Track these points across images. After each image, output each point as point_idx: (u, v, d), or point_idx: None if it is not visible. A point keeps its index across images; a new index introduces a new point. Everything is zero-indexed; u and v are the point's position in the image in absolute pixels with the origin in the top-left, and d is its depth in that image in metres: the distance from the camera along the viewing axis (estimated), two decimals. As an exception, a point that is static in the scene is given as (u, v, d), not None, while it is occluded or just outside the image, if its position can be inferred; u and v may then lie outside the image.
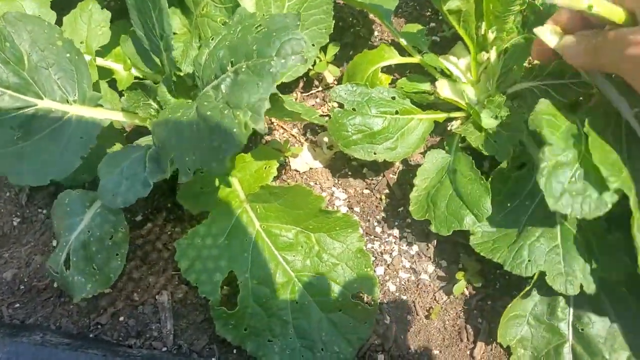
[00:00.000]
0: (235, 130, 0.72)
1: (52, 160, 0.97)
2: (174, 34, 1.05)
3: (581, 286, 0.81)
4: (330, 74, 1.17)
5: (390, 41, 1.24)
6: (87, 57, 1.09)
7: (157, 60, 1.06)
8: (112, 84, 1.15)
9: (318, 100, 1.21)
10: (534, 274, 0.82)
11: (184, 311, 1.00)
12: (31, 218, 1.13)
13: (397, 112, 1.02)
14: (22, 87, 0.98)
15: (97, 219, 0.97)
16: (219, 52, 0.84)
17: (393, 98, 1.04)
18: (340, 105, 1.01)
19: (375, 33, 1.26)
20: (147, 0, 0.92)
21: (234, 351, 0.96)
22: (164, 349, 0.96)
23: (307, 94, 1.22)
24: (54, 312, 1.01)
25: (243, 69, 0.76)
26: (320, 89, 1.22)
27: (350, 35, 1.25)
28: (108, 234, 0.96)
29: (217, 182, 1.00)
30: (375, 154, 1.01)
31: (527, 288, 0.86)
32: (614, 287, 0.85)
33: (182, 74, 0.99)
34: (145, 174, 0.91)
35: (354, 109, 1.01)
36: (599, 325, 0.85)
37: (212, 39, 0.89)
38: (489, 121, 0.96)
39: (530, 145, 0.91)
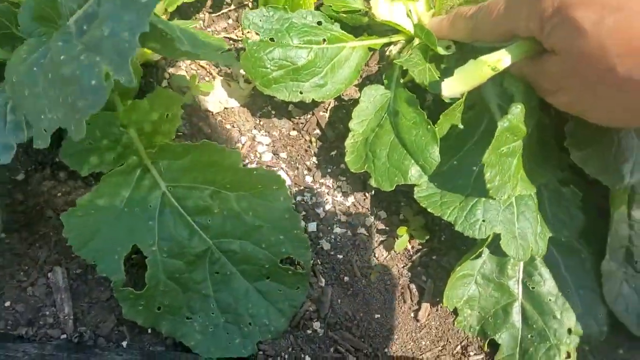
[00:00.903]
0: (93, 82, 0.54)
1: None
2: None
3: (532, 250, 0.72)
4: (244, -12, 0.96)
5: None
6: None
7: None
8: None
9: (231, 21, 1.00)
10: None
11: (85, 289, 0.85)
12: None
13: (324, 41, 0.84)
14: None
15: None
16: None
17: (319, 23, 0.85)
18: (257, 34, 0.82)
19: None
20: None
21: (149, 331, 0.83)
22: (63, 336, 0.81)
23: (216, 14, 1.00)
24: None
25: (106, -2, 0.55)
26: (232, 7, 1.00)
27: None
28: (-29, 208, 0.77)
29: (108, 136, 0.81)
30: (301, 93, 0.84)
31: (479, 250, 0.76)
32: (567, 242, 0.77)
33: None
34: (5, 132, 0.71)
35: (272, 39, 0.82)
36: (550, 283, 0.78)
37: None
38: (442, 49, 0.80)
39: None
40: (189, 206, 0.81)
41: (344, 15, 0.89)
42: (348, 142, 0.83)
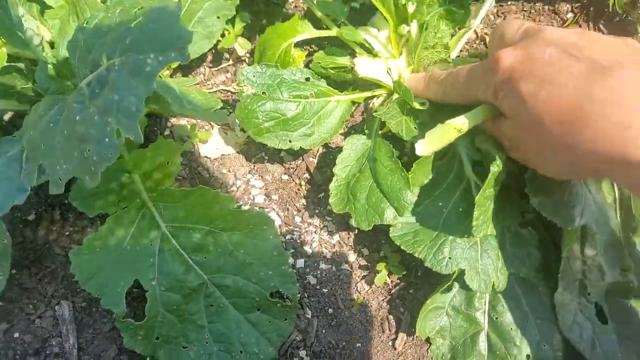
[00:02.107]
0: (107, 140, 0.63)
1: None
2: (49, 8, 0.90)
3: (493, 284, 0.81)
4: (240, 47, 1.06)
5: (305, 10, 1.13)
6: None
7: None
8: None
9: (229, 75, 1.10)
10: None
11: (89, 320, 0.92)
12: None
13: (312, 95, 0.94)
14: None
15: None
16: (94, 39, 0.72)
17: (307, 79, 0.95)
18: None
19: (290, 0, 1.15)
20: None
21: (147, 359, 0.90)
22: (68, 365, 0.88)
23: (216, 68, 1.10)
24: (-64, 333, 0.90)
25: (116, 66, 0.65)
26: (231, 62, 1.11)
27: (261, 2, 1.13)
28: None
29: (114, 181, 0.90)
30: (290, 142, 0.93)
31: (447, 283, 0.84)
32: (526, 277, 0.86)
33: (56, 60, 0.85)
34: (21, 177, 0.80)
35: (264, 93, 0.92)
36: (511, 314, 0.86)
37: (86, 23, 0.76)
38: (417, 104, 0.90)
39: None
40: (186, 244, 0.89)
41: (332, 71, 1.00)
42: (332, 185, 0.92)
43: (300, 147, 0.94)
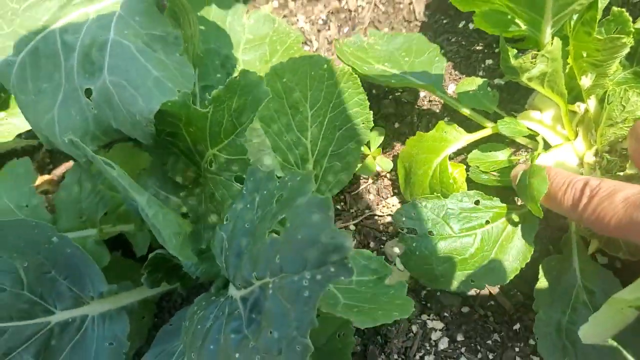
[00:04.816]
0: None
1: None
2: (185, 186, 0.84)
3: None
4: (382, 168, 0.93)
5: (442, 103, 0.98)
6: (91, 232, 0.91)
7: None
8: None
9: (372, 197, 0.97)
10: None
11: None
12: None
13: (487, 222, 0.77)
14: (28, 310, 0.80)
15: None
16: (238, 240, 0.64)
17: (477, 203, 0.79)
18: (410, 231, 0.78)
19: (421, 94, 1.00)
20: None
21: None
22: None
23: (355, 192, 0.98)
24: None
25: (270, 289, 0.54)
26: (370, 181, 0.98)
27: (389, 104, 1.00)
28: None
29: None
30: (473, 282, 0.77)
31: None
32: None
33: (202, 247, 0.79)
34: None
35: (430, 232, 0.77)
36: None
37: (226, 220, 0.68)
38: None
39: None
40: None
41: (496, 178, 0.82)
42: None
43: (487, 284, 0.77)
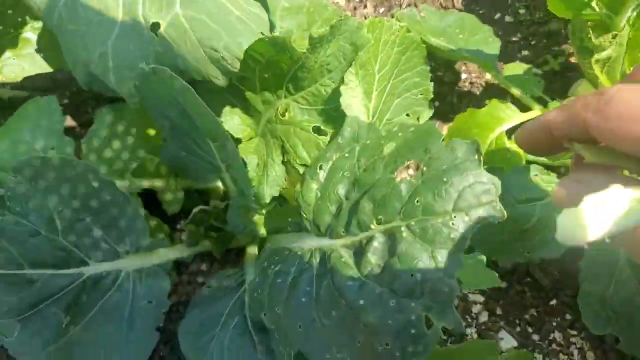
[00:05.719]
0: (412, 331, 0.50)
1: (116, 346, 0.73)
2: (238, 140, 0.80)
3: None
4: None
5: (483, 85, 1.00)
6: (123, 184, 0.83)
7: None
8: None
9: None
10: None
11: None
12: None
13: (546, 196, 0.80)
14: (61, 258, 0.72)
15: None
16: (336, 189, 0.61)
17: (535, 175, 0.81)
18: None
19: (463, 75, 1.02)
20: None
21: None
22: None
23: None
24: None
25: (403, 232, 0.53)
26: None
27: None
28: None
29: None
30: (527, 254, 0.79)
31: None
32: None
33: (265, 202, 0.75)
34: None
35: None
36: None
37: (319, 167, 0.65)
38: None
39: None
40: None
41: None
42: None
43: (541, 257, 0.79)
